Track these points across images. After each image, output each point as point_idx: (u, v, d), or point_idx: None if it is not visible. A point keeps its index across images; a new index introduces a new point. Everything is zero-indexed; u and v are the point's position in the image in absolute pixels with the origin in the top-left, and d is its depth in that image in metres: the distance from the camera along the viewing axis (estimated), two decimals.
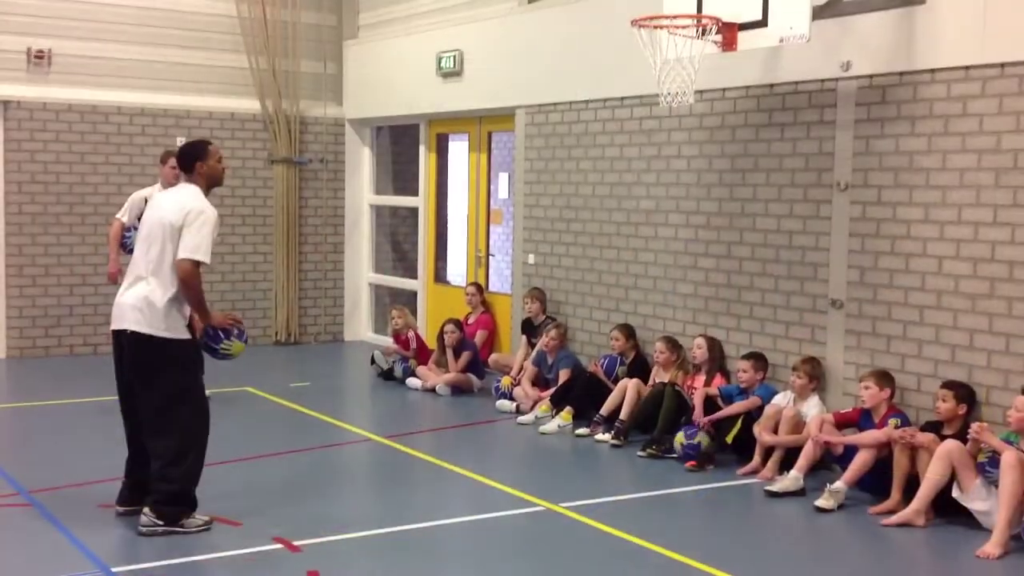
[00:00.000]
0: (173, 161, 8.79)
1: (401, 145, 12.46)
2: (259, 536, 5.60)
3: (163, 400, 5.60)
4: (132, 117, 11.13)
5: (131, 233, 8.67)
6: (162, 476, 5.60)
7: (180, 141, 11.10)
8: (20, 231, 10.67)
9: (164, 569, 5.17)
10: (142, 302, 5.54)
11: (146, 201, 8.68)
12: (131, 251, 8.60)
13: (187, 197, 5.66)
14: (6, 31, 10.50)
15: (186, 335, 5.63)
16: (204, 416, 5.79)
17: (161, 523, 5.57)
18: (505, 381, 8.99)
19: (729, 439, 7.11)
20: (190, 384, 5.68)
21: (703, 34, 6.89)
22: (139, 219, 8.63)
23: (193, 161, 5.77)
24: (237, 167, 11.70)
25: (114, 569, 5.10)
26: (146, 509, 5.60)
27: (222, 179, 5.94)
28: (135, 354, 5.61)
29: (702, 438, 7.10)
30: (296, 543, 5.50)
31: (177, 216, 5.55)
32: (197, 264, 5.53)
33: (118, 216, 8.79)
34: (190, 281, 5.51)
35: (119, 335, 5.68)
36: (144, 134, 11.17)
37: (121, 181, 10.90)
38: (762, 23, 6.79)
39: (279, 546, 5.47)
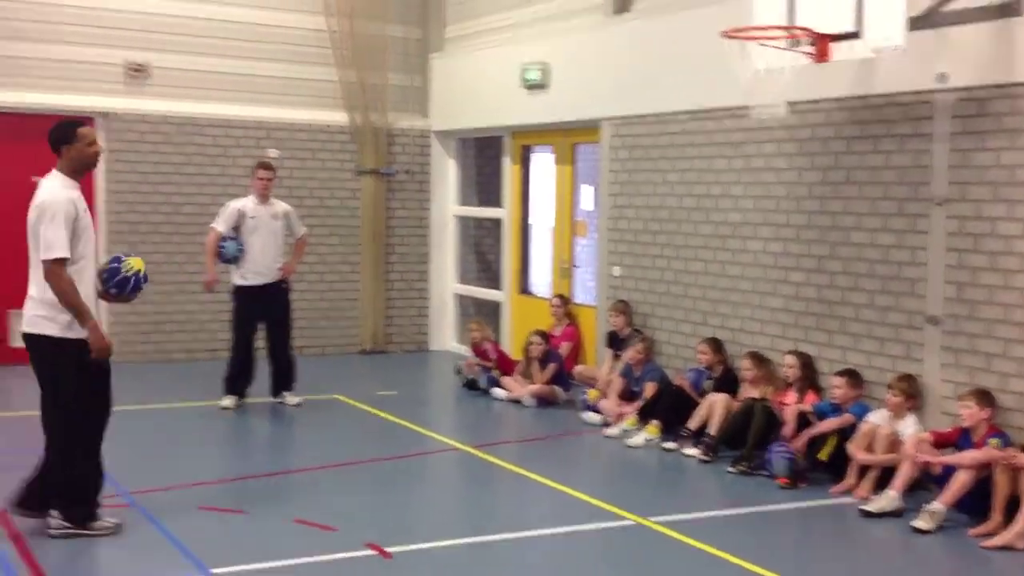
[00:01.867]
0: (261, 172, 9.04)
1: (485, 156, 12.56)
2: (352, 541, 5.69)
3: (46, 399, 5.62)
4: (226, 129, 11.41)
5: (226, 242, 8.90)
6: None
7: (272, 153, 11.40)
8: (120, 240, 10.98)
9: (261, 571, 5.28)
10: (28, 302, 5.54)
11: (241, 212, 8.95)
12: (226, 260, 8.93)
13: (41, 193, 5.52)
14: (106, 45, 10.84)
15: (63, 335, 5.47)
16: (77, 419, 5.60)
17: (68, 525, 5.57)
18: (592, 394, 8.98)
19: (823, 456, 7.01)
20: (69, 385, 5.55)
21: (795, 45, 6.83)
22: (235, 229, 8.93)
23: (59, 145, 5.57)
24: (325, 178, 11.91)
25: (213, 570, 5.22)
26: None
27: (94, 163, 5.72)
28: (32, 352, 5.59)
29: (795, 456, 7.01)
30: (388, 549, 5.57)
31: (33, 215, 5.47)
32: (57, 263, 5.34)
33: (213, 225, 9.00)
34: (55, 282, 5.34)
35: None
36: (237, 146, 11.44)
37: (215, 191, 11.16)
38: (856, 34, 6.71)
39: (372, 552, 5.55)
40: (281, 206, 9.21)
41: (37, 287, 5.49)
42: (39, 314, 5.47)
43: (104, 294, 5.72)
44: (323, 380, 10.24)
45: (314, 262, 11.62)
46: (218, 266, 9.02)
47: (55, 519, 5.55)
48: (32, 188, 11.05)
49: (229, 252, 8.90)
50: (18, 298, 10.45)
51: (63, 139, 5.55)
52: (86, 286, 5.50)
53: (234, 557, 5.43)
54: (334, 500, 6.52)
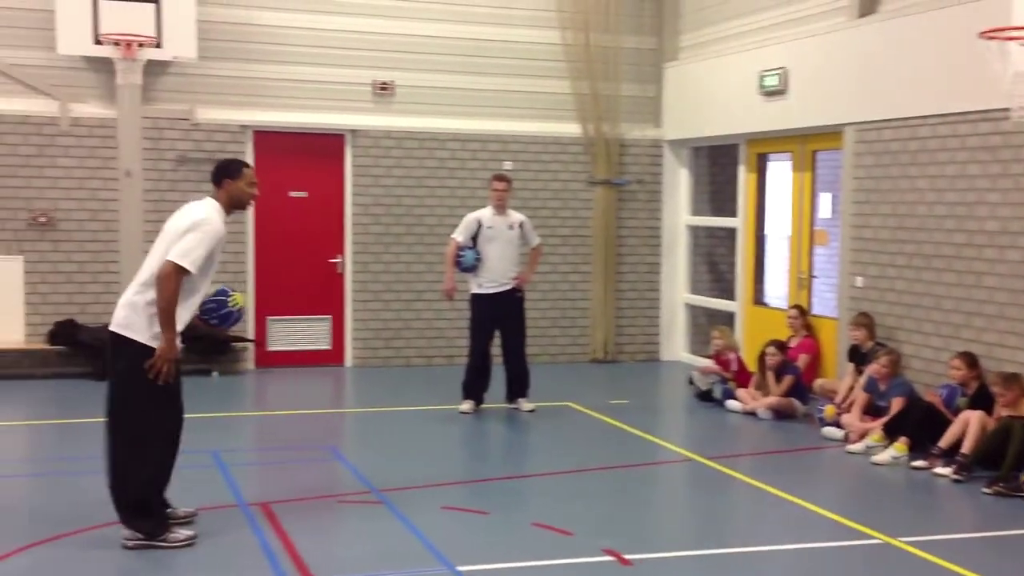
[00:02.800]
0: (497, 183, 9.28)
1: (719, 165, 12.40)
2: (590, 547, 5.73)
3: (116, 402, 5.55)
4: (464, 143, 11.79)
5: (464, 252, 9.18)
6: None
7: (507, 165, 11.68)
8: (365, 250, 11.56)
9: (504, 571, 5.40)
10: (128, 305, 5.48)
11: (479, 223, 9.22)
12: (464, 269, 9.22)
13: (201, 207, 5.58)
14: (355, 65, 11.45)
15: (150, 343, 5.43)
16: (159, 426, 5.58)
17: (142, 537, 5.52)
18: (829, 410, 8.67)
19: None
20: (144, 391, 5.47)
21: None
22: (473, 240, 9.22)
23: (223, 177, 5.68)
24: (558, 189, 12.10)
25: (460, 568, 5.39)
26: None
27: (247, 203, 5.78)
28: (112, 353, 5.56)
29: None
30: (626, 556, 5.58)
31: (185, 223, 5.47)
32: (179, 269, 5.34)
33: (453, 236, 9.32)
34: (166, 284, 5.32)
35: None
36: (475, 159, 11.80)
37: (454, 203, 11.56)
38: None
39: (610, 558, 5.57)
40: (516, 216, 9.42)
41: (137, 291, 5.49)
42: (133, 319, 5.46)
43: (203, 321, 5.83)
44: (555, 388, 10.38)
45: (546, 271, 11.82)
46: (457, 275, 9.32)
47: (127, 531, 5.56)
48: (290, 202, 11.82)
49: (467, 261, 9.18)
50: (278, 304, 11.31)
51: (228, 173, 5.69)
52: (187, 312, 5.58)
53: (478, 556, 5.58)
54: (570, 505, 6.59)
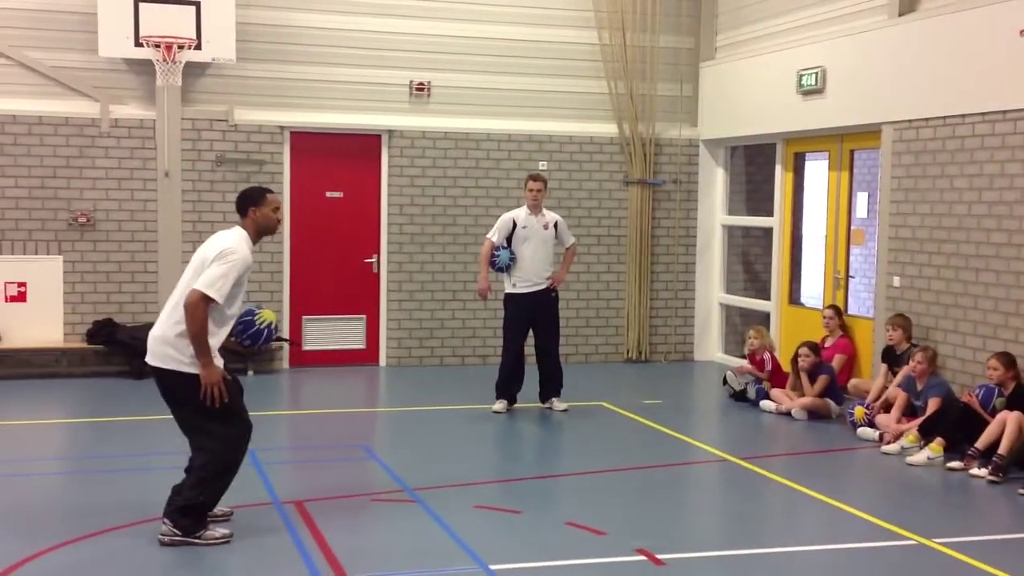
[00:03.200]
0: (532, 183, 9.29)
1: (755, 165, 12.33)
2: (622, 546, 5.74)
3: (185, 427, 5.72)
4: (499, 143, 11.82)
5: (499, 252, 9.20)
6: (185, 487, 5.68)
7: (542, 165, 11.70)
8: (400, 250, 11.62)
9: (537, 570, 5.41)
10: (160, 340, 5.59)
11: (514, 223, 9.24)
12: (499, 269, 9.24)
13: (229, 236, 5.66)
14: (392, 66, 11.51)
15: (191, 371, 5.52)
16: (230, 440, 5.70)
17: (179, 534, 5.62)
18: (859, 412, 8.60)
19: None
20: (210, 414, 5.59)
21: None
22: (508, 240, 9.23)
23: (247, 206, 5.74)
24: (594, 189, 12.09)
25: (492, 567, 5.41)
26: (165, 519, 5.67)
27: (275, 229, 5.83)
28: (160, 384, 5.68)
29: None
30: (659, 556, 5.57)
31: (213, 252, 5.55)
32: (205, 298, 5.41)
33: (488, 236, 9.34)
34: (191, 311, 5.40)
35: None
36: (510, 159, 11.82)
37: (489, 203, 11.59)
38: None
39: (642, 558, 5.57)
40: (551, 216, 9.43)
41: (167, 322, 5.60)
42: (168, 352, 5.57)
43: (238, 343, 5.89)
44: (589, 387, 10.38)
45: (581, 271, 11.82)
46: (491, 275, 9.34)
47: (166, 526, 5.64)
48: (326, 203, 11.91)
49: (502, 261, 9.20)
50: (313, 303, 11.40)
51: (252, 201, 5.74)
52: (219, 339, 5.63)
53: (511, 555, 5.61)
54: (603, 505, 6.59)
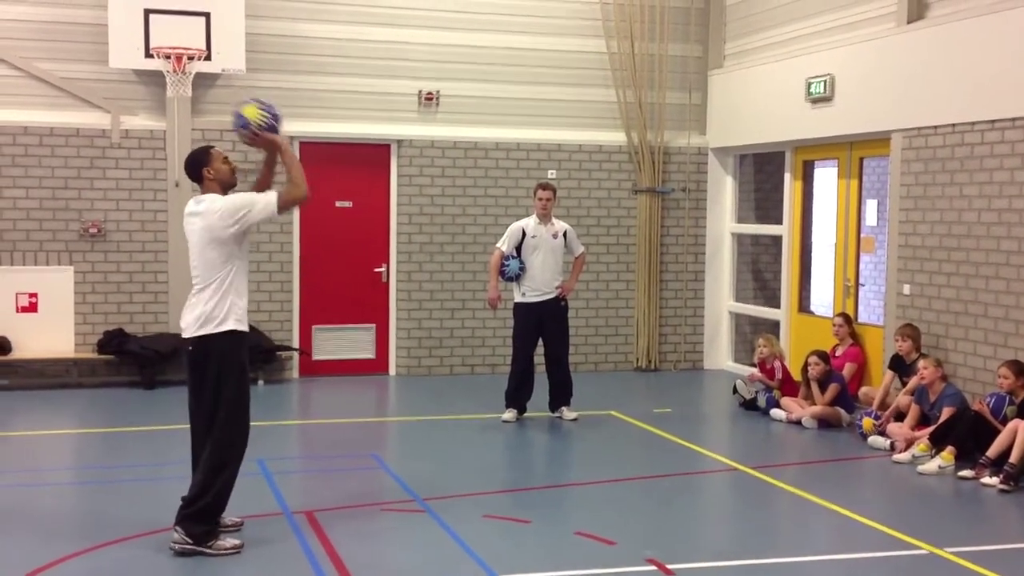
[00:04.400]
0: (541, 192, 9.30)
1: (764, 173, 12.32)
2: (632, 556, 5.73)
3: (220, 406, 5.73)
4: (508, 152, 11.83)
5: (508, 261, 9.21)
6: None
7: (551, 175, 11.72)
8: (409, 259, 11.64)
9: None
10: (190, 308, 5.68)
11: (523, 232, 9.25)
12: (508, 278, 9.25)
13: (214, 199, 5.66)
14: (401, 76, 11.54)
15: (236, 327, 5.67)
16: (245, 431, 5.79)
17: (191, 542, 5.63)
18: (866, 424, 8.58)
19: None
20: (247, 384, 5.79)
21: None
22: (517, 249, 9.24)
23: (199, 169, 5.75)
24: (603, 197, 12.10)
25: None
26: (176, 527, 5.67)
27: (234, 179, 5.83)
28: (195, 361, 5.74)
29: None
30: (669, 566, 5.56)
31: (217, 206, 5.60)
32: (277, 203, 5.66)
33: (498, 245, 9.35)
34: (285, 196, 5.70)
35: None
36: (519, 168, 11.84)
37: (498, 212, 11.60)
38: None
39: (652, 568, 5.56)
40: (560, 225, 9.44)
41: (195, 295, 5.68)
42: (202, 316, 5.63)
43: (267, 127, 5.81)
44: (598, 396, 10.38)
45: (590, 279, 11.81)
46: (500, 284, 9.35)
47: (178, 534, 5.65)
48: (335, 212, 11.92)
49: (511, 270, 9.21)
50: (323, 313, 11.42)
51: (202, 163, 5.75)
52: (244, 297, 5.75)
53: (520, 565, 5.60)
54: (612, 514, 6.58)
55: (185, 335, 5.75)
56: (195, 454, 5.83)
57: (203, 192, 5.79)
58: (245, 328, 5.76)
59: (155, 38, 10.52)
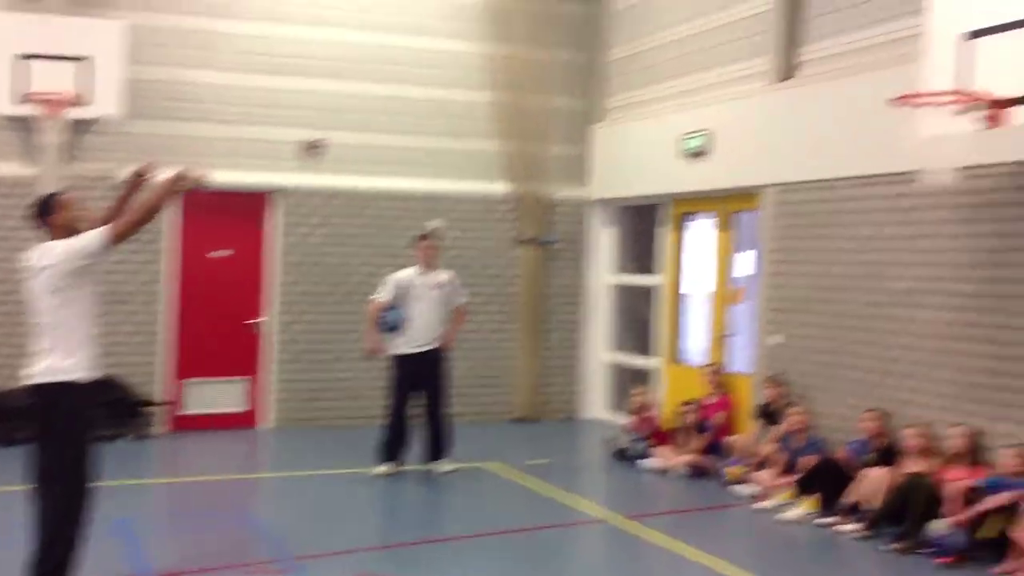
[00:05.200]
0: (424, 241, 9.30)
1: (642, 224, 12.53)
2: None
3: (56, 458, 5.58)
4: (392, 201, 11.80)
5: (388, 312, 9.14)
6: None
7: (435, 223, 11.67)
8: (290, 309, 11.45)
9: None
10: (43, 355, 5.54)
11: (404, 282, 9.20)
12: (387, 329, 9.16)
13: (53, 247, 5.56)
14: (283, 124, 11.41)
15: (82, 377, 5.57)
16: (89, 484, 5.63)
17: None
18: (731, 473, 8.82)
19: (988, 534, 6.62)
20: (86, 447, 5.62)
21: (968, 110, 6.58)
22: (397, 298, 9.18)
23: (46, 216, 5.65)
24: (487, 247, 12.13)
25: None
26: None
27: (81, 225, 5.67)
28: (44, 408, 5.61)
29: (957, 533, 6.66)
30: None
31: (59, 248, 5.51)
32: (111, 229, 5.51)
33: (374, 296, 9.29)
34: (119, 228, 5.53)
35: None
36: (403, 217, 11.78)
37: (381, 262, 11.46)
38: None
39: None
40: (444, 275, 9.43)
41: (52, 340, 5.53)
42: (54, 364, 5.49)
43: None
44: (476, 447, 10.30)
45: (471, 329, 11.74)
46: (380, 335, 9.26)
47: None
48: (210, 263, 11.59)
49: (390, 321, 9.14)
50: (195, 365, 11.11)
51: (48, 211, 5.65)
52: (97, 327, 5.68)
53: None
54: (485, 571, 6.54)
55: (30, 384, 5.55)
56: (36, 514, 5.57)
57: (52, 239, 5.63)
58: (94, 376, 5.59)
59: (28, 83, 10.20)
